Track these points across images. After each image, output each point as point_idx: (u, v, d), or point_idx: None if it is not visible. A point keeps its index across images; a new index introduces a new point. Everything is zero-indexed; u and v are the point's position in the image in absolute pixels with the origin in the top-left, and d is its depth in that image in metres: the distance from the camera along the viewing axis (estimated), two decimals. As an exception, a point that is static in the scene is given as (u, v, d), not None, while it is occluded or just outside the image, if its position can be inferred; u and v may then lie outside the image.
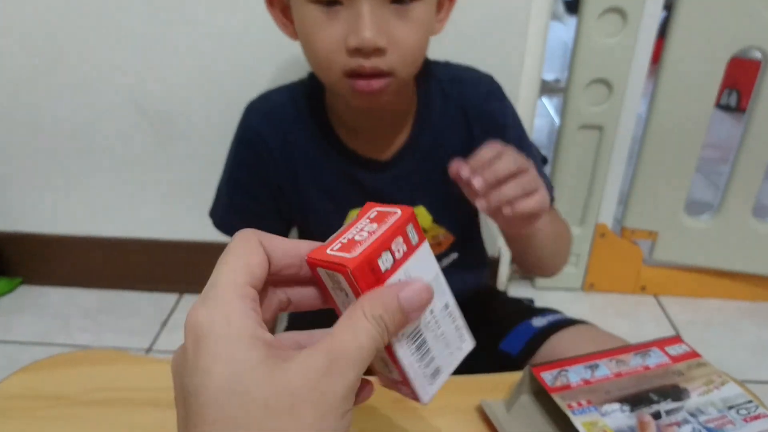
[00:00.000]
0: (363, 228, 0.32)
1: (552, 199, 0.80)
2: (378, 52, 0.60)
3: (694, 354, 0.64)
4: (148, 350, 1.16)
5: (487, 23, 0.96)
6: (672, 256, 1.32)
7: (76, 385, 0.61)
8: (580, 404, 0.56)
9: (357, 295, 0.31)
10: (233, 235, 0.75)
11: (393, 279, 0.31)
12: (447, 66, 0.78)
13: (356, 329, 0.29)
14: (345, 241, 0.31)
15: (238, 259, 0.32)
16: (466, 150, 0.75)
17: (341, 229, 0.33)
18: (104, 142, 1.20)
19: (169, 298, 1.32)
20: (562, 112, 1.21)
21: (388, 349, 0.33)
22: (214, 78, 1.13)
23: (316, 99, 0.74)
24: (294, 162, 0.75)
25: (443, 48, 0.76)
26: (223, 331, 0.28)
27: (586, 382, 0.59)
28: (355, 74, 0.61)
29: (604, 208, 1.30)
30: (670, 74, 1.15)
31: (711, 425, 0.54)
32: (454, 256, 0.83)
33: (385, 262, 0.31)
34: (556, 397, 0.56)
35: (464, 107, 0.76)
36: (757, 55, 1.06)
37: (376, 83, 0.62)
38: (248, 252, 0.32)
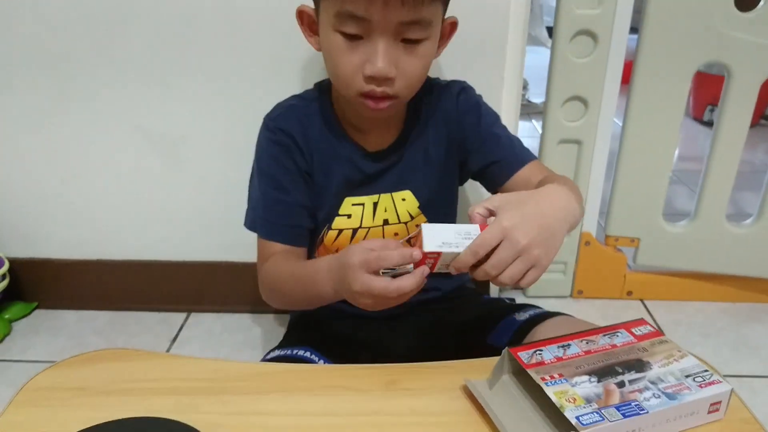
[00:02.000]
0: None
1: (529, 156, 0.91)
2: (388, 80, 0.74)
3: (657, 333, 0.70)
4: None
5: (466, 49, 1.05)
6: (654, 260, 1.39)
7: (98, 378, 0.68)
8: (552, 377, 0.62)
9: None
10: (266, 234, 0.90)
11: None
12: (429, 78, 0.90)
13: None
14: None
15: None
16: (448, 142, 0.91)
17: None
18: (116, 170, 1.27)
19: (178, 317, 1.38)
20: (543, 127, 1.29)
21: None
22: (221, 101, 1.21)
23: (325, 102, 0.89)
24: (311, 151, 0.87)
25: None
26: None
27: (559, 359, 0.65)
28: (368, 95, 0.76)
29: (587, 218, 1.37)
30: (641, 89, 1.24)
31: (669, 391, 0.61)
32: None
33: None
34: (531, 372, 0.63)
35: (441, 105, 0.91)
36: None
37: (383, 104, 0.77)
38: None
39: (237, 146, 1.22)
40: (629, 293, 1.45)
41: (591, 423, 0.56)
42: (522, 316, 0.88)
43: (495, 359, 0.67)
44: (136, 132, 1.24)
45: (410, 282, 0.64)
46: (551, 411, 0.60)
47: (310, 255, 0.95)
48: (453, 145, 0.92)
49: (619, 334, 0.70)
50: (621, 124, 1.30)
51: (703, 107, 2.79)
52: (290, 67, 1.16)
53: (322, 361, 0.83)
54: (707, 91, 2.67)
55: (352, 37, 0.73)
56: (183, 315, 1.39)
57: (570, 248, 1.40)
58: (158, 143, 1.25)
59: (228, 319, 1.38)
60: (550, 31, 3.16)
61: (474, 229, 0.65)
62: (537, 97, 2.93)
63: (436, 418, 0.63)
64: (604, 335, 0.69)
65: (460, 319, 0.94)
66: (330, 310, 0.81)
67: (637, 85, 1.24)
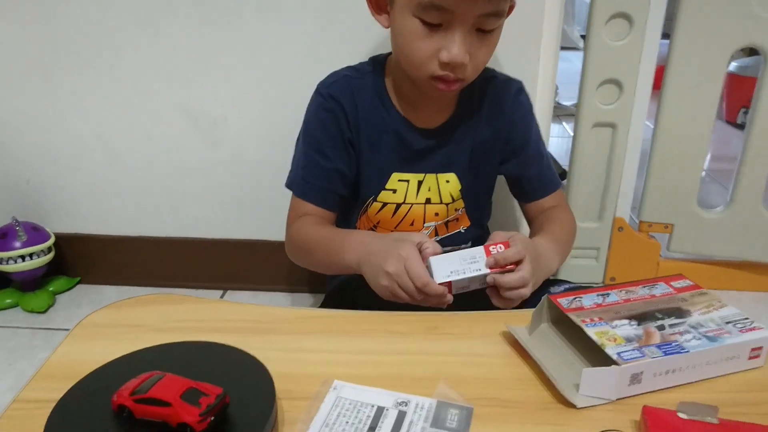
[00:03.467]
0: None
1: (559, 183, 1.01)
2: (461, 67, 0.78)
3: (697, 286, 0.71)
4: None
5: (501, 48, 1.07)
6: (688, 247, 1.38)
7: (152, 317, 0.71)
8: (592, 320, 0.63)
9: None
10: (300, 192, 0.97)
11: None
12: (486, 67, 0.93)
13: None
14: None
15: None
16: (496, 136, 0.95)
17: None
18: (157, 147, 1.32)
19: (215, 294, 1.41)
20: (577, 111, 1.30)
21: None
22: (262, 83, 1.25)
23: (378, 76, 0.92)
24: (359, 121, 0.90)
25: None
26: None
27: (598, 305, 0.66)
28: (440, 78, 0.80)
29: (621, 203, 1.37)
30: (677, 72, 1.24)
31: (710, 334, 0.61)
32: (468, 245, 0.99)
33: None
34: (572, 315, 0.64)
35: (497, 101, 0.94)
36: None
37: (453, 86, 0.82)
38: None
39: (275, 128, 1.27)
40: (662, 281, 1.43)
41: (632, 359, 0.57)
42: (556, 289, 0.88)
43: (532, 310, 0.68)
44: (178, 110, 1.28)
45: (437, 289, 0.72)
46: (592, 354, 0.61)
47: (351, 224, 0.98)
48: (500, 139, 0.96)
49: (658, 286, 0.70)
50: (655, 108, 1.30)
51: (737, 110, 2.76)
52: (330, 50, 1.19)
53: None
54: (740, 94, 2.65)
55: (431, 25, 0.76)
56: (219, 292, 1.42)
57: (603, 234, 1.40)
58: (199, 122, 1.29)
59: (263, 298, 1.41)
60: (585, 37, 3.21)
61: (479, 253, 0.74)
62: (567, 100, 2.95)
63: (479, 358, 0.64)
64: (644, 287, 0.70)
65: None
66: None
67: (672, 68, 1.24)
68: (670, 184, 1.33)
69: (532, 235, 0.97)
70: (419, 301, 0.73)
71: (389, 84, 0.92)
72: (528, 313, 0.68)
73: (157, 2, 1.19)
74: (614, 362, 0.56)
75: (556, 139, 2.58)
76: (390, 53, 0.92)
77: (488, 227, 1.08)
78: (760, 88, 1.26)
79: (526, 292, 0.76)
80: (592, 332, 0.61)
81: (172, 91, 1.26)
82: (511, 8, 0.85)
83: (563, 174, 2.10)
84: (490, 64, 0.97)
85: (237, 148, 1.31)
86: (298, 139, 0.96)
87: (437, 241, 0.99)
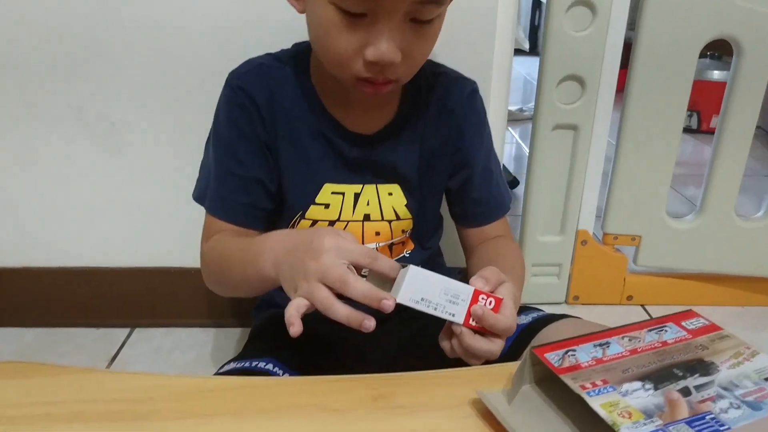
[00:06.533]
0: None
1: (507, 208, 0.86)
2: (392, 66, 0.62)
3: (714, 327, 0.56)
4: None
5: (450, 53, 0.94)
6: (657, 260, 1.26)
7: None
8: (594, 384, 0.47)
9: None
10: (216, 210, 0.77)
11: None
12: (432, 61, 0.80)
13: None
14: None
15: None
16: (445, 143, 0.79)
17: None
18: (44, 161, 1.10)
19: (120, 333, 1.19)
20: (535, 112, 1.16)
21: None
22: (167, 80, 1.05)
23: (302, 66, 0.75)
24: (277, 122, 0.74)
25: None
26: None
27: (598, 360, 0.50)
28: (366, 81, 0.65)
29: (584, 214, 1.24)
30: (643, 67, 1.12)
31: (750, 398, 0.46)
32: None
33: None
34: (567, 379, 0.47)
35: (447, 102, 0.79)
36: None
37: (384, 88, 0.66)
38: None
39: (188, 131, 1.07)
40: (629, 298, 1.31)
41: (658, 445, 0.41)
42: (523, 320, 0.74)
43: (510, 365, 0.52)
44: (68, 115, 1.06)
45: (373, 295, 0.53)
46: (593, 425, 0.45)
47: None
48: (449, 147, 0.80)
49: (667, 328, 0.55)
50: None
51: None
52: (246, 37, 1.00)
53: (287, 375, 0.67)
54: (693, 97, 2.61)
55: (353, 15, 0.60)
56: (126, 331, 1.20)
57: (565, 249, 1.26)
58: (94, 128, 1.07)
59: (180, 335, 1.20)
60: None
61: (465, 293, 0.56)
62: (512, 105, 2.88)
63: (442, 443, 0.46)
64: (650, 330, 0.54)
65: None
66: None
67: (638, 63, 1.12)
68: (637, 192, 1.21)
69: (473, 268, 0.81)
70: (344, 317, 0.53)
71: (316, 78, 0.75)
72: (505, 369, 0.52)
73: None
74: (635, 452, 0.40)
75: (505, 145, 2.47)
76: None
77: (440, 247, 0.92)
78: (731, 88, 1.15)
79: (477, 363, 0.59)
80: (597, 404, 0.45)
81: (57, 87, 1.05)
82: None
83: (513, 182, 1.98)
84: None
85: (143, 159, 1.10)
86: (208, 141, 0.79)
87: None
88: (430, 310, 0.54)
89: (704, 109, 2.71)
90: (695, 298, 1.30)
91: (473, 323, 0.56)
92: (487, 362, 0.58)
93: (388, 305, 0.52)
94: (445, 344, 0.59)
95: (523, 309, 0.78)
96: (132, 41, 1.02)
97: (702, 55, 1.13)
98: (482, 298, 0.56)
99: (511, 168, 2.19)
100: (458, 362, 0.58)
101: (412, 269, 0.53)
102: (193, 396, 0.52)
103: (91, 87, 1.05)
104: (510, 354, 0.71)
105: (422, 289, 0.54)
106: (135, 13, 1.00)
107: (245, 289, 0.73)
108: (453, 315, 0.55)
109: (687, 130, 2.75)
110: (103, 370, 0.56)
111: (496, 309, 0.57)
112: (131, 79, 1.05)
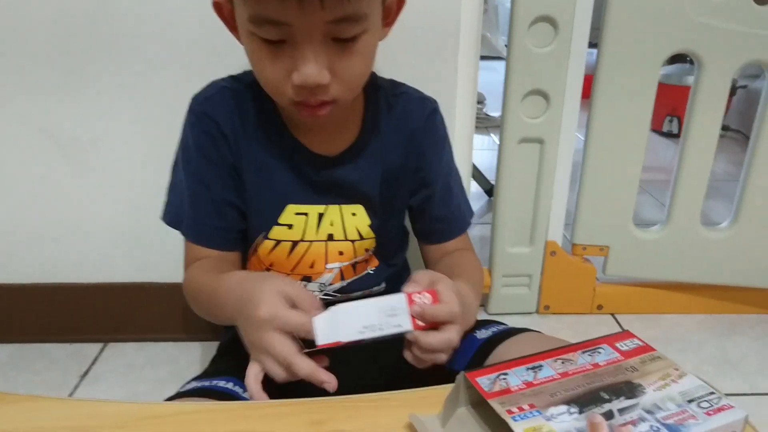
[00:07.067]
0: None
1: (468, 225, 0.87)
2: (322, 87, 0.62)
3: (647, 348, 0.57)
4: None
5: (418, 61, 0.95)
6: (625, 270, 1.28)
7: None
8: (521, 409, 0.48)
9: None
10: (194, 236, 0.77)
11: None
12: (393, 81, 0.82)
13: None
14: None
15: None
16: (406, 163, 0.80)
17: None
18: (15, 178, 1.10)
19: (92, 349, 1.20)
20: (501, 126, 1.17)
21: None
22: (137, 97, 1.06)
23: (263, 90, 0.74)
24: (241, 145, 0.74)
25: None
26: None
27: (529, 384, 0.51)
28: (301, 104, 0.65)
29: (552, 225, 1.25)
30: (607, 80, 1.13)
31: (670, 421, 0.47)
32: (381, 287, 0.86)
33: None
34: (494, 403, 0.49)
35: (408, 122, 0.80)
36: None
37: (321, 110, 0.66)
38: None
39: (158, 148, 1.07)
40: (599, 307, 1.33)
41: (575, 470, 0.42)
42: (483, 334, 0.75)
43: (447, 387, 0.53)
44: (40, 135, 1.07)
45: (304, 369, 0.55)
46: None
47: (244, 264, 0.82)
48: (410, 167, 0.81)
49: (601, 350, 0.56)
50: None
51: (662, 118, 2.75)
52: (214, 56, 1.01)
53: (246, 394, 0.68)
54: (665, 102, 2.63)
55: (273, 43, 0.61)
56: (98, 346, 1.21)
57: (535, 259, 1.28)
58: (65, 147, 1.08)
59: (152, 349, 1.20)
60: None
61: (399, 303, 0.57)
62: (495, 111, 2.88)
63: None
64: (584, 352, 0.56)
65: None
66: None
67: (602, 76, 1.13)
68: (604, 202, 1.22)
69: None
70: (304, 376, 0.56)
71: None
72: (441, 392, 0.53)
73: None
74: (551, 477, 0.41)
75: (486, 152, 2.48)
76: None
77: (407, 260, 0.93)
78: (694, 97, 1.16)
79: (444, 357, 0.61)
80: (521, 429, 0.46)
81: (30, 110, 1.06)
82: (398, 6, 0.70)
83: (491, 191, 1.99)
84: (404, 77, 0.83)
85: (114, 176, 1.11)
86: (175, 164, 0.79)
87: (344, 286, 0.83)
88: (377, 334, 0.56)
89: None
90: (664, 307, 1.31)
91: (420, 323, 0.58)
92: (437, 372, 0.60)
93: (330, 387, 0.55)
94: (408, 356, 0.61)
95: (485, 323, 0.79)
96: (102, 59, 1.03)
97: (682, 60, 1.15)
98: (416, 297, 0.58)
99: (492, 176, 2.18)
100: (412, 385, 0.59)
101: (332, 311, 0.55)
102: (128, 425, 0.52)
103: (62, 105, 1.05)
104: (470, 368, 0.72)
105: (357, 321, 0.55)
106: (104, 31, 1.01)
107: (224, 323, 0.74)
108: (400, 326, 0.57)
109: (668, 134, 2.77)
110: (52, 398, 0.56)
111: (435, 301, 0.58)
112: (102, 96, 1.05)
